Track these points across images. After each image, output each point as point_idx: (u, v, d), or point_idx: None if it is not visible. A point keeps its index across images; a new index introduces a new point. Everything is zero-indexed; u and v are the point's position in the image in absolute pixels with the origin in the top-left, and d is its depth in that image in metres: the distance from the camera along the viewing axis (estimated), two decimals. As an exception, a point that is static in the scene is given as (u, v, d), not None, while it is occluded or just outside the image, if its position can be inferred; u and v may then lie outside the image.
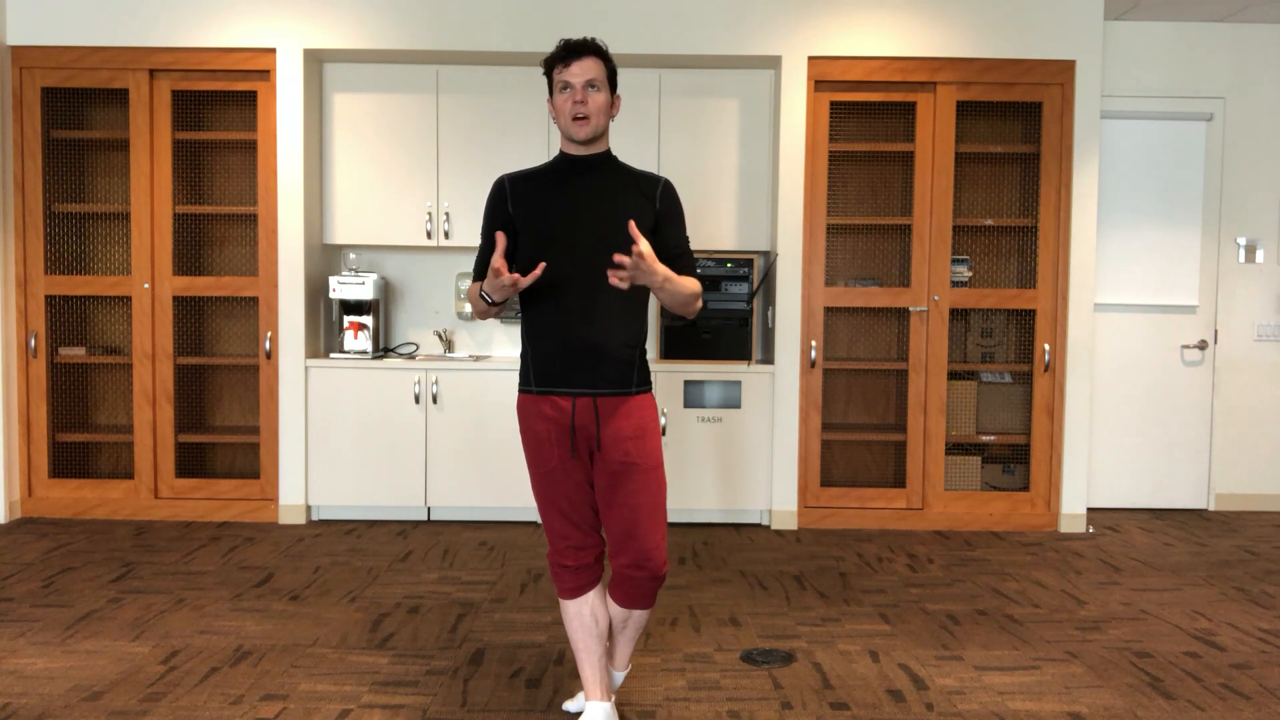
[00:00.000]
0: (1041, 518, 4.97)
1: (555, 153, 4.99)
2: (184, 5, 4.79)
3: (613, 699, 2.65)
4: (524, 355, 2.52)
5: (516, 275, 2.27)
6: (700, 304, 2.51)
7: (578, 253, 2.40)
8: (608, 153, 2.52)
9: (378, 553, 4.39)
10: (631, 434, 2.44)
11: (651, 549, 2.46)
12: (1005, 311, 5.17)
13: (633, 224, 2.23)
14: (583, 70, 2.40)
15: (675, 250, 2.51)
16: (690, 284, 2.44)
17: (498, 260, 2.24)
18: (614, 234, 2.43)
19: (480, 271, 2.54)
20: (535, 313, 2.47)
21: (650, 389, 2.53)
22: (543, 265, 2.30)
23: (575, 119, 2.41)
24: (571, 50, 2.41)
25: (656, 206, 2.49)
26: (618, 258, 2.21)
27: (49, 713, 2.70)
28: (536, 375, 2.47)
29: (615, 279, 2.23)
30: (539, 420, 2.46)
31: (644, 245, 2.21)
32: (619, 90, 2.53)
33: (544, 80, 5.01)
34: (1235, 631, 3.48)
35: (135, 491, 4.94)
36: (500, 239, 2.24)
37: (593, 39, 2.44)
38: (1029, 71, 4.87)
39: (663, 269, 2.30)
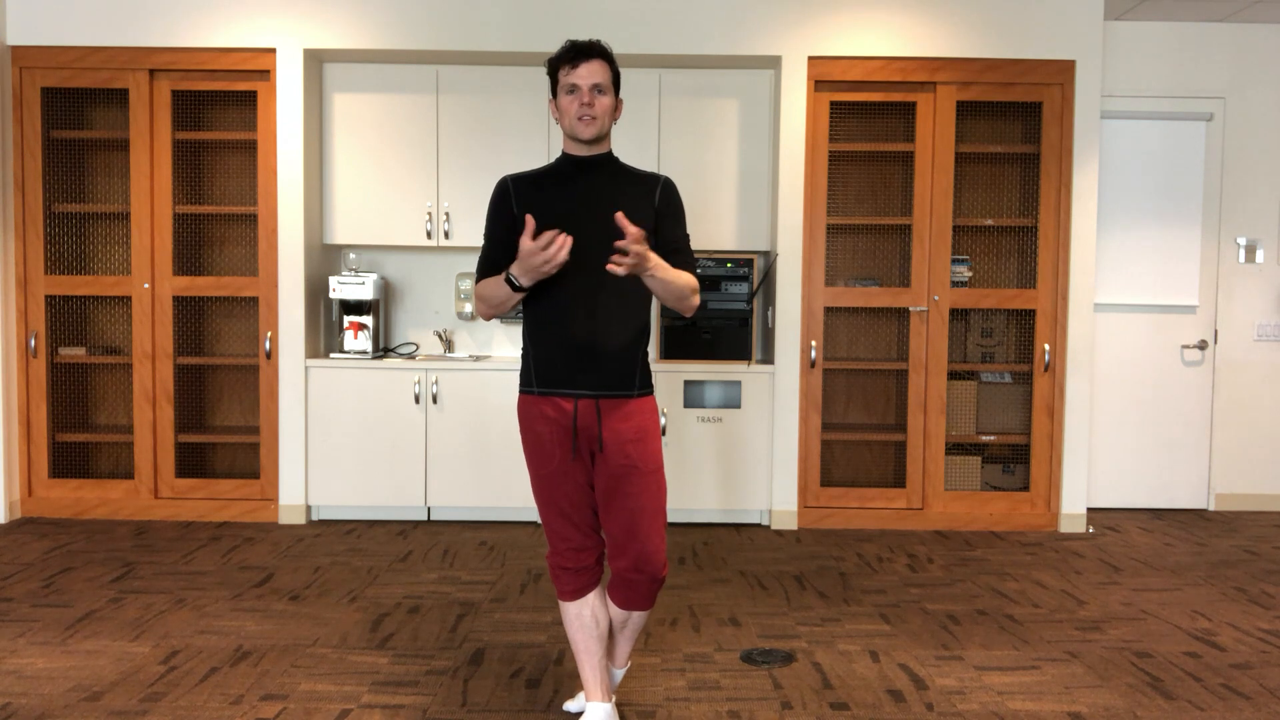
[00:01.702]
0: (1041, 518, 4.97)
1: (555, 153, 5.00)
2: (184, 5, 4.79)
3: (613, 699, 2.65)
4: (525, 356, 2.51)
5: (555, 236, 2.22)
6: (696, 301, 2.50)
7: (581, 253, 2.39)
8: (609, 153, 2.52)
9: (378, 553, 4.39)
10: (633, 436, 2.43)
11: (652, 552, 2.46)
12: (1005, 311, 5.17)
13: (619, 215, 2.23)
14: (590, 73, 2.40)
15: (672, 246, 2.51)
16: (683, 276, 2.43)
17: (529, 239, 2.23)
18: (616, 234, 2.42)
19: (485, 272, 2.52)
20: (537, 313, 2.46)
21: (652, 391, 2.52)
22: (566, 239, 2.26)
23: (581, 119, 2.41)
24: (579, 52, 2.41)
25: (656, 204, 2.50)
26: (619, 244, 2.21)
27: (49, 713, 2.70)
28: (538, 376, 2.46)
29: (614, 266, 2.22)
30: (540, 421, 2.45)
31: (632, 229, 2.21)
32: (621, 94, 2.53)
33: (544, 80, 5.01)
34: (1235, 631, 3.48)
35: (135, 491, 4.94)
36: (529, 220, 2.26)
37: (598, 41, 2.45)
38: (1029, 71, 4.87)
39: (653, 256, 2.30)
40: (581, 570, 2.52)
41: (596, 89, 2.41)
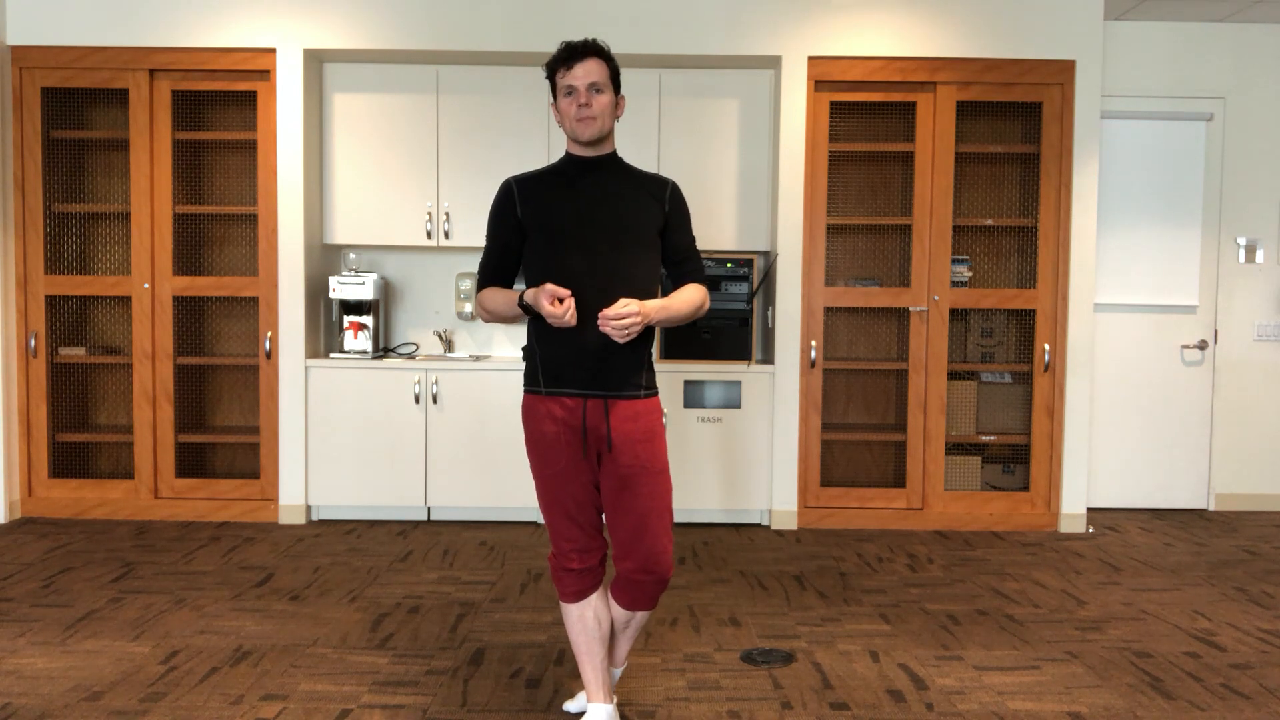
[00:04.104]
0: (1041, 518, 4.97)
1: (555, 154, 5.00)
2: (184, 5, 4.79)
3: (614, 699, 2.64)
4: (530, 355, 2.49)
5: (567, 304, 2.29)
6: (707, 305, 2.55)
7: (587, 253, 2.39)
8: (613, 153, 2.52)
9: (378, 553, 4.39)
10: (641, 437, 2.43)
11: (659, 553, 2.45)
12: (1005, 311, 5.17)
13: (607, 314, 2.28)
14: (585, 72, 2.39)
15: (683, 254, 2.54)
16: (685, 296, 2.49)
17: (546, 300, 2.28)
18: (622, 234, 2.42)
19: (487, 274, 2.53)
20: None
21: (657, 392, 2.53)
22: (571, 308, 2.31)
23: (580, 120, 2.40)
24: (574, 52, 2.40)
25: (665, 209, 2.50)
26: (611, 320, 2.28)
27: (49, 713, 2.70)
28: (545, 376, 2.44)
29: (616, 335, 2.29)
30: (548, 422, 2.44)
31: (623, 309, 2.28)
32: (622, 91, 2.54)
33: (544, 79, 5.01)
34: (1235, 631, 3.48)
35: (135, 491, 4.94)
36: (551, 288, 2.29)
37: (594, 40, 2.43)
38: (1029, 71, 4.87)
39: (653, 306, 2.36)
40: (585, 572, 2.51)
41: (593, 88, 2.40)
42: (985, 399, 5.11)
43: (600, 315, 2.28)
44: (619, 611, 2.59)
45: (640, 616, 2.60)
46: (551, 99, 2.48)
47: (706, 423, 4.91)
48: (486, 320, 2.54)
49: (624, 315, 2.27)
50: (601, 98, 2.41)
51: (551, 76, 2.44)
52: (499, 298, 2.49)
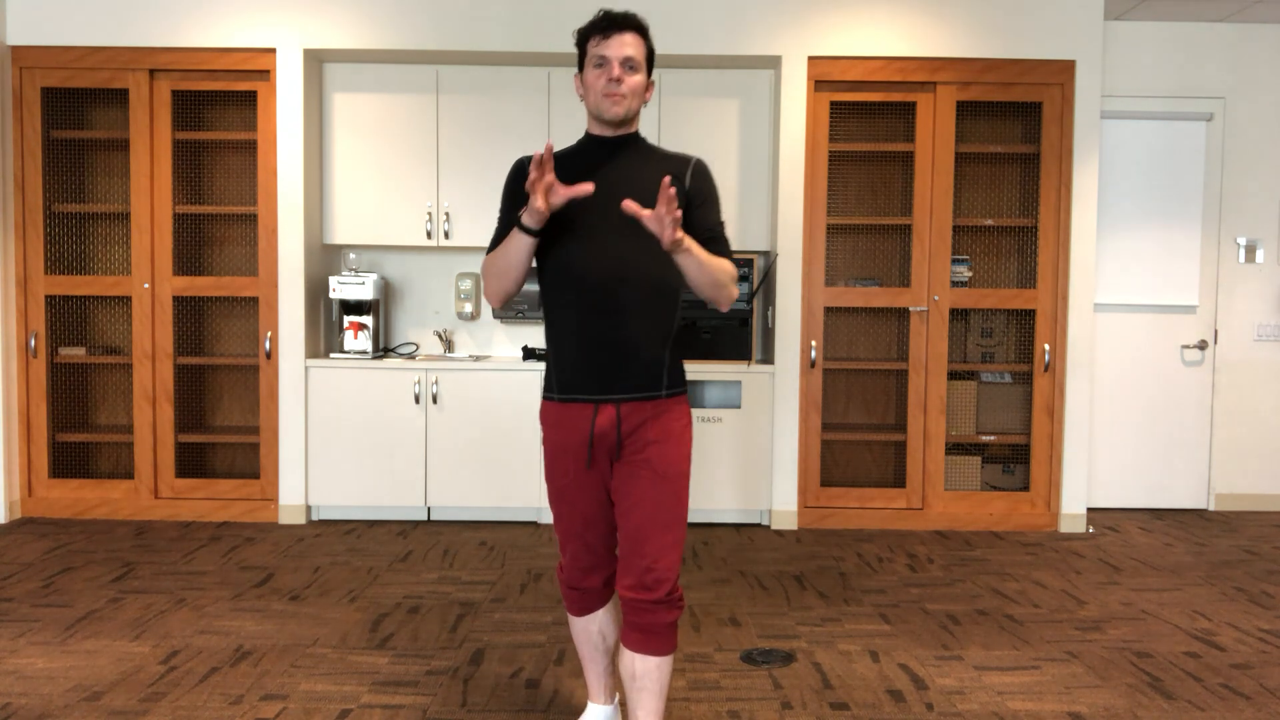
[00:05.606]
0: (1041, 518, 4.97)
1: (555, 153, 4.98)
2: (184, 5, 4.79)
3: (615, 701, 2.63)
4: (547, 359, 2.33)
5: (549, 181, 2.00)
6: (736, 291, 2.26)
7: (604, 240, 2.20)
8: (636, 133, 2.33)
9: (378, 553, 4.39)
10: (654, 437, 2.22)
11: (651, 563, 2.17)
12: (1005, 311, 5.17)
13: (627, 203, 2.01)
14: (621, 46, 2.18)
15: (708, 234, 2.29)
16: (721, 263, 2.20)
17: (535, 173, 2.00)
18: (639, 221, 2.18)
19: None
20: (556, 309, 2.26)
21: (684, 391, 2.29)
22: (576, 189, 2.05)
23: (608, 96, 2.19)
24: (613, 23, 2.19)
25: (687, 187, 2.29)
26: (637, 211, 2.01)
27: (49, 713, 2.70)
28: (558, 381, 2.28)
29: (647, 217, 2.02)
30: (558, 430, 2.28)
31: (661, 200, 1.99)
32: (653, 76, 2.36)
33: (545, 79, 5.01)
34: (1235, 631, 3.48)
35: (135, 491, 4.94)
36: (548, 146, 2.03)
37: (635, 14, 2.24)
38: (1029, 71, 4.87)
39: (686, 237, 2.10)
40: (588, 592, 2.43)
41: (628, 64, 2.18)
42: (985, 399, 5.11)
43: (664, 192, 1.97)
44: (627, 661, 2.25)
45: (653, 668, 2.23)
46: (578, 70, 2.29)
47: (707, 423, 4.91)
48: (497, 290, 2.24)
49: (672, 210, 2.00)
50: (634, 77, 2.20)
51: (582, 44, 2.26)
52: (500, 247, 2.23)
